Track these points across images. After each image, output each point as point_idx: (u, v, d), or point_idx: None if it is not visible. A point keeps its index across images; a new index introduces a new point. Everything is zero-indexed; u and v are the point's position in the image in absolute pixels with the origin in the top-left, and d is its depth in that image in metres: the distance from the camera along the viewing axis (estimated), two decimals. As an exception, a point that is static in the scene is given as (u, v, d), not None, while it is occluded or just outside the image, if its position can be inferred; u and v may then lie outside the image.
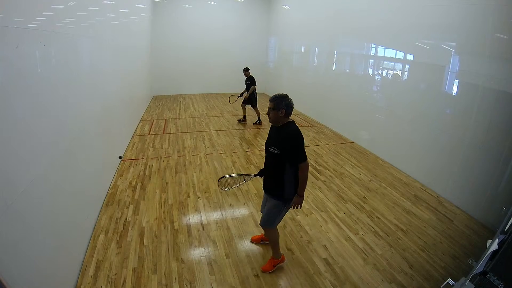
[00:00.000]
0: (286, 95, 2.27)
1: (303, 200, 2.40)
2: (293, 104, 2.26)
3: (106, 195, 3.74)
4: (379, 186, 4.33)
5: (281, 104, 2.20)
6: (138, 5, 7.38)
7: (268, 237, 2.62)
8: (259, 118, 7.54)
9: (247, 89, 7.38)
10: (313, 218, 3.44)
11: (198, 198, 3.79)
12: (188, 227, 3.19)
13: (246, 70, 7.46)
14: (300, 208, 2.45)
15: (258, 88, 12.65)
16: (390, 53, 5.52)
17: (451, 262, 2.83)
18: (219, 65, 11.79)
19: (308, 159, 2.25)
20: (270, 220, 2.46)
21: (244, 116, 7.61)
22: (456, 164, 3.95)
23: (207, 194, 3.89)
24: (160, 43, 10.66)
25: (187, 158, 5.10)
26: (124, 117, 5.59)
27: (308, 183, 4.25)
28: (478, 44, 3.67)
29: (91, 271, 2.50)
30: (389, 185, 4.38)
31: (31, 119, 1.93)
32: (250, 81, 7.29)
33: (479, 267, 1.89)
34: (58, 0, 2.52)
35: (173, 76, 11.26)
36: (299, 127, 2.31)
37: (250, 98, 7.35)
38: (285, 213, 2.50)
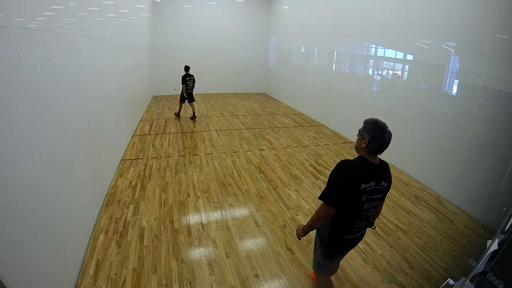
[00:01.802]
0: (383, 125, 1.65)
1: (301, 234, 1.90)
2: (386, 142, 1.64)
3: (106, 195, 3.74)
4: (379, 186, 4.33)
5: (366, 132, 1.67)
6: (138, 5, 7.37)
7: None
8: (179, 112, 7.92)
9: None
10: (313, 218, 3.44)
11: (198, 198, 3.79)
12: (188, 227, 3.19)
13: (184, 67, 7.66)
14: (299, 239, 1.98)
15: (258, 88, 12.80)
16: (390, 53, 5.52)
17: (451, 262, 2.83)
18: (219, 65, 11.79)
19: (330, 205, 1.66)
20: (313, 259, 2.09)
21: (194, 113, 7.83)
22: (456, 164, 3.95)
23: (207, 194, 3.89)
24: (160, 43, 10.66)
25: (187, 158, 5.11)
26: (124, 117, 5.59)
27: (308, 182, 4.34)
28: (478, 44, 3.67)
29: (91, 271, 2.50)
30: (389, 185, 4.37)
31: (31, 119, 1.93)
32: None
33: (479, 267, 1.89)
34: (58, 0, 2.52)
35: (173, 76, 11.21)
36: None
37: (182, 95, 7.62)
38: (323, 259, 1.96)
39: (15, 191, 1.66)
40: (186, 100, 7.62)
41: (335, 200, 1.66)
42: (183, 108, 8.07)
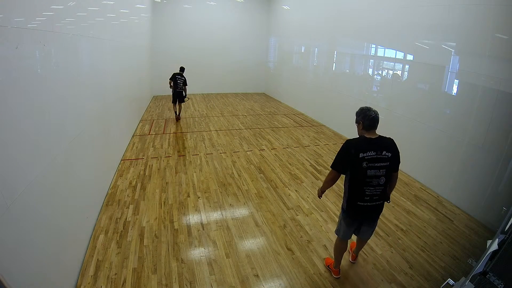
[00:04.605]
0: (367, 107, 2.14)
1: (320, 193, 2.42)
2: (373, 117, 2.08)
3: (106, 195, 3.74)
4: (379, 186, 4.33)
5: (358, 117, 2.16)
6: (138, 5, 7.37)
7: None
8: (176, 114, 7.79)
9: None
10: (313, 218, 3.44)
11: (198, 198, 3.79)
12: (188, 227, 3.19)
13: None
14: (319, 197, 2.47)
15: (258, 88, 12.81)
16: (390, 53, 5.52)
17: (451, 262, 2.83)
18: (219, 65, 11.80)
19: (333, 169, 2.18)
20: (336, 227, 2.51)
21: (176, 113, 7.78)
22: (456, 164, 3.95)
23: (207, 194, 3.89)
24: (160, 43, 10.66)
25: (187, 158, 5.10)
26: (124, 117, 5.59)
27: (308, 182, 4.36)
28: (478, 44, 3.67)
29: (91, 271, 2.50)
30: (389, 185, 4.37)
31: (31, 119, 1.93)
32: None
33: (479, 267, 1.89)
34: (58, 0, 2.52)
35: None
36: (348, 140, 2.20)
37: (172, 95, 7.62)
38: (343, 223, 2.37)
39: (15, 191, 1.65)
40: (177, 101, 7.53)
41: (337, 165, 2.16)
42: (182, 108, 8.05)
